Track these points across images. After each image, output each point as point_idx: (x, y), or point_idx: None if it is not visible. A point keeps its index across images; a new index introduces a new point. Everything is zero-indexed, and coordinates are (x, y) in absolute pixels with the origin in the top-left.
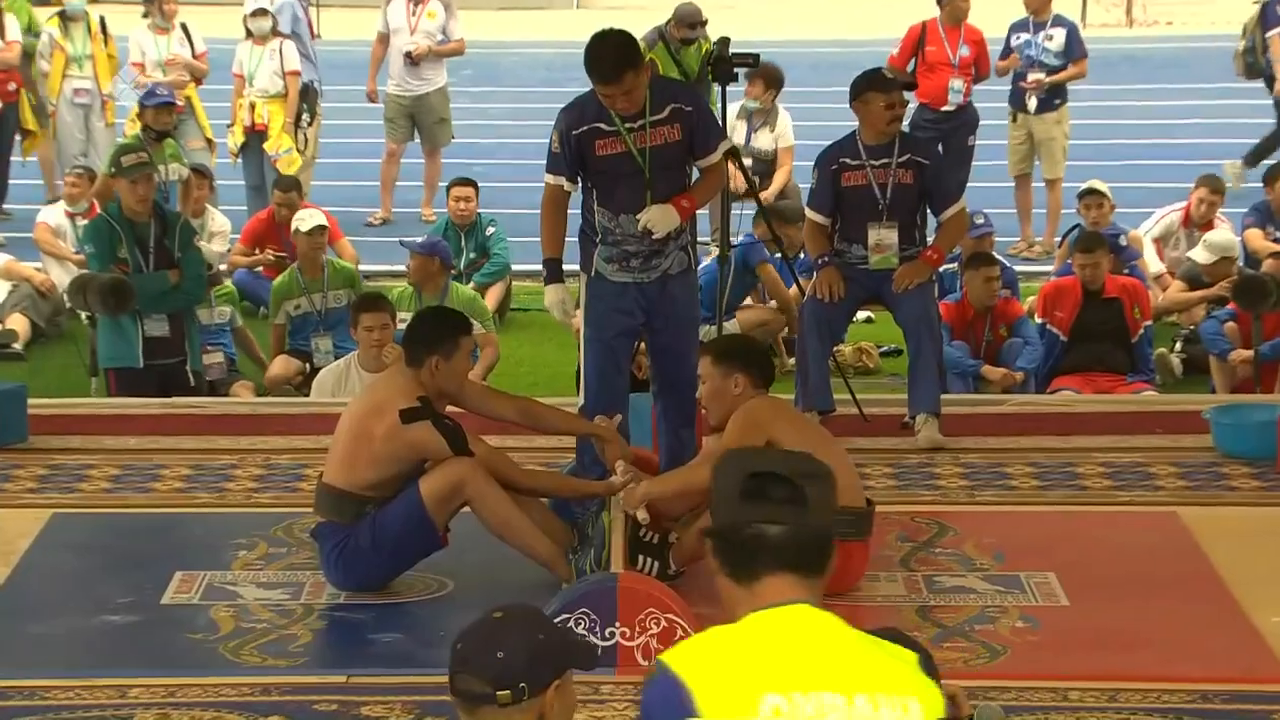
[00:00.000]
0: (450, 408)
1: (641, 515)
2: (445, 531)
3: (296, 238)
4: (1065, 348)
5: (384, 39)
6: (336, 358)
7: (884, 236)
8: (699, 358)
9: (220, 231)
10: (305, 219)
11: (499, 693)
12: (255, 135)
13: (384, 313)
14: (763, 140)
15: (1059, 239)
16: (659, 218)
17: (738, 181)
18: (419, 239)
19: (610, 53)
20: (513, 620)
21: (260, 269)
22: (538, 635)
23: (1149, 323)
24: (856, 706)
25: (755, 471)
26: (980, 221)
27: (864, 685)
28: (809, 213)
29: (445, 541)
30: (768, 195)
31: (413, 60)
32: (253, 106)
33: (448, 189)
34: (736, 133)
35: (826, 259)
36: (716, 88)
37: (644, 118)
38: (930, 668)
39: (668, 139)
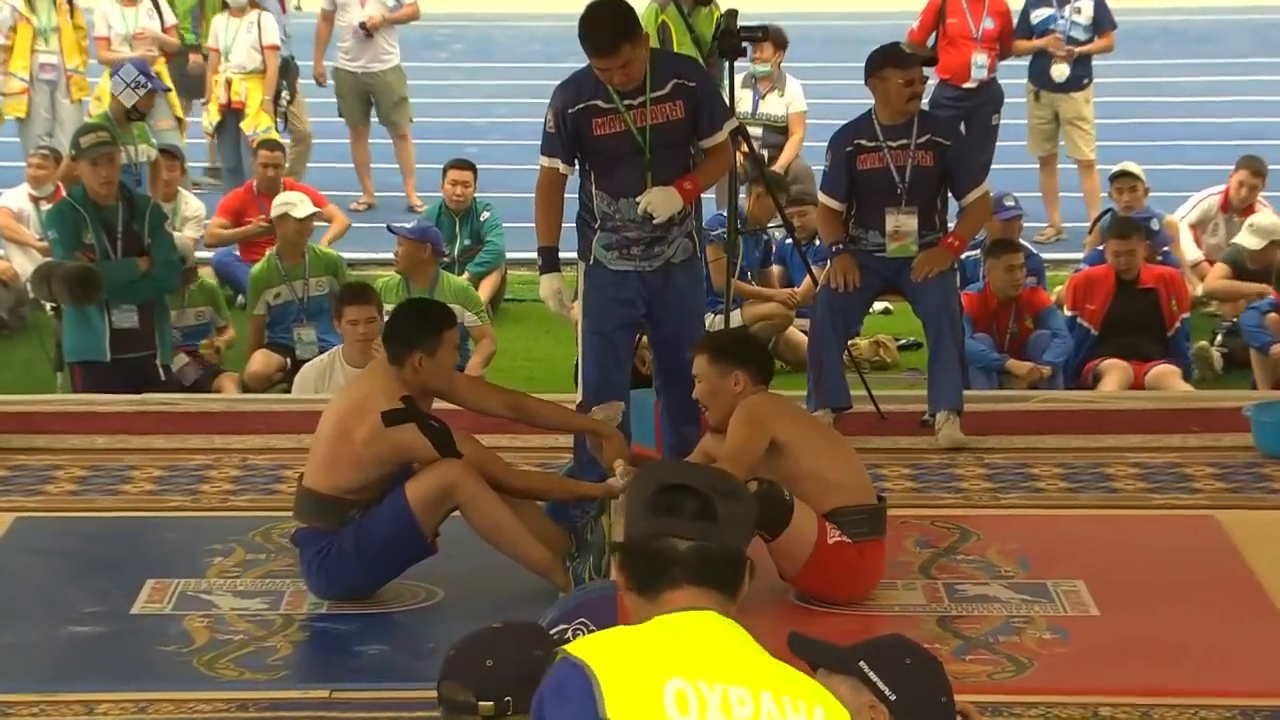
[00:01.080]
0: (438, 403)
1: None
2: (434, 537)
3: (283, 223)
4: (1096, 341)
5: (328, 17)
6: (320, 349)
7: (902, 222)
8: (694, 354)
9: (194, 216)
10: (299, 205)
11: (481, 704)
12: (232, 114)
13: (370, 304)
14: (772, 105)
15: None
16: (660, 201)
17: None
18: (408, 224)
19: (605, 23)
20: (510, 633)
21: (238, 252)
22: (533, 651)
23: (1186, 315)
24: (763, 703)
25: (665, 484)
26: (1010, 205)
27: (770, 684)
28: (822, 197)
29: (435, 548)
30: (780, 165)
31: (367, 32)
32: (229, 83)
33: (444, 171)
34: (741, 101)
35: (841, 247)
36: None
37: (644, 94)
38: (938, 683)
39: (670, 116)
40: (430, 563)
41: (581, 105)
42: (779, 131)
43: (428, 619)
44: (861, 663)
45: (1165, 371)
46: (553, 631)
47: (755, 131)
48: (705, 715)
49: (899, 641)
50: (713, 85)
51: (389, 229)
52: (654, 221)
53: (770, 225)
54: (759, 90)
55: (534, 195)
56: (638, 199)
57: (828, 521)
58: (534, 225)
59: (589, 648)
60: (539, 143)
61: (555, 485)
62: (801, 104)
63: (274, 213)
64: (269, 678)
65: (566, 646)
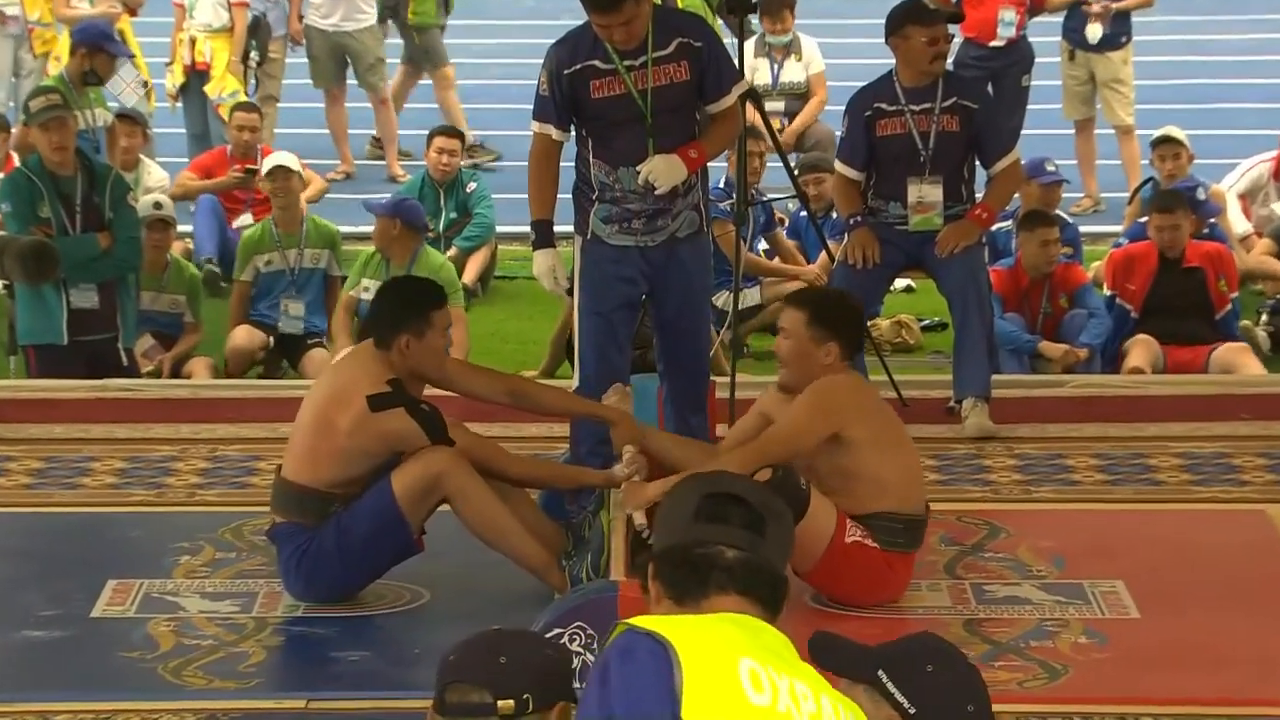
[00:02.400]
0: (430, 391)
1: (639, 519)
2: (420, 535)
3: (268, 182)
4: (1136, 324)
5: None
6: (306, 327)
7: (926, 193)
8: (789, 306)
9: (157, 186)
10: (285, 160)
11: (500, 702)
12: (197, 75)
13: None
14: (792, 73)
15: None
16: (663, 170)
17: (758, 125)
18: (384, 198)
19: None
20: (515, 634)
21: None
22: (544, 650)
23: (1235, 295)
24: (824, 705)
25: (715, 493)
26: (1051, 170)
27: (828, 690)
28: (839, 166)
29: (420, 545)
30: (797, 127)
31: None
32: (193, 42)
33: (428, 138)
34: (760, 74)
35: (859, 219)
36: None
37: (646, 54)
38: (966, 691)
39: (673, 78)
40: (415, 562)
41: (578, 66)
42: (803, 99)
43: (413, 623)
44: (880, 671)
45: (1233, 350)
46: (548, 636)
47: (777, 106)
48: (778, 699)
49: (925, 643)
50: (720, 45)
51: (365, 206)
52: (655, 193)
53: (782, 196)
54: (775, 59)
55: (526, 164)
56: (638, 168)
57: (862, 524)
58: (527, 197)
59: (652, 621)
60: (529, 107)
61: (554, 473)
62: (820, 64)
63: (266, 166)
64: (240, 686)
65: (628, 620)
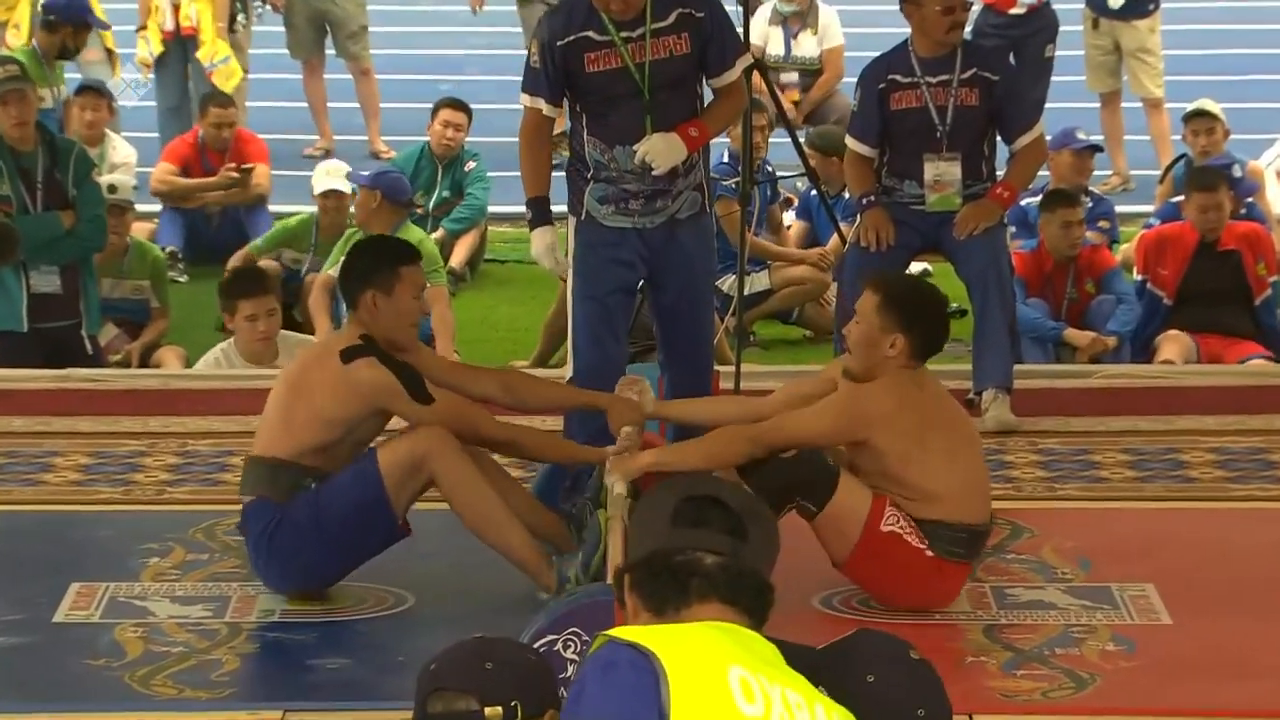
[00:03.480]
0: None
1: (618, 488)
2: (405, 521)
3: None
4: (1170, 312)
5: None
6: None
7: (944, 170)
8: (866, 288)
9: (124, 163)
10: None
11: (488, 709)
12: (178, 42)
13: (269, 295)
14: (806, 46)
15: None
16: (661, 150)
17: (763, 95)
18: (366, 171)
19: None
20: (498, 640)
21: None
22: (528, 656)
23: (1276, 278)
24: (817, 715)
25: (692, 495)
26: (1082, 136)
27: (820, 699)
28: (850, 142)
29: (406, 530)
30: (806, 107)
31: None
32: (176, 6)
33: (433, 110)
34: (773, 43)
35: (872, 199)
36: None
37: (644, 25)
38: (912, 697)
39: (673, 51)
40: (399, 564)
41: (572, 37)
42: (816, 75)
43: (396, 628)
44: (821, 687)
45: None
46: (541, 642)
47: (790, 77)
48: (770, 709)
49: (865, 647)
50: (723, 15)
51: (349, 179)
52: (653, 173)
53: (790, 174)
54: (789, 29)
55: (517, 141)
56: (635, 147)
57: (917, 527)
58: (519, 175)
59: (635, 632)
60: (519, 78)
61: (545, 443)
62: (837, 37)
63: (319, 188)
64: (213, 696)
65: (609, 632)
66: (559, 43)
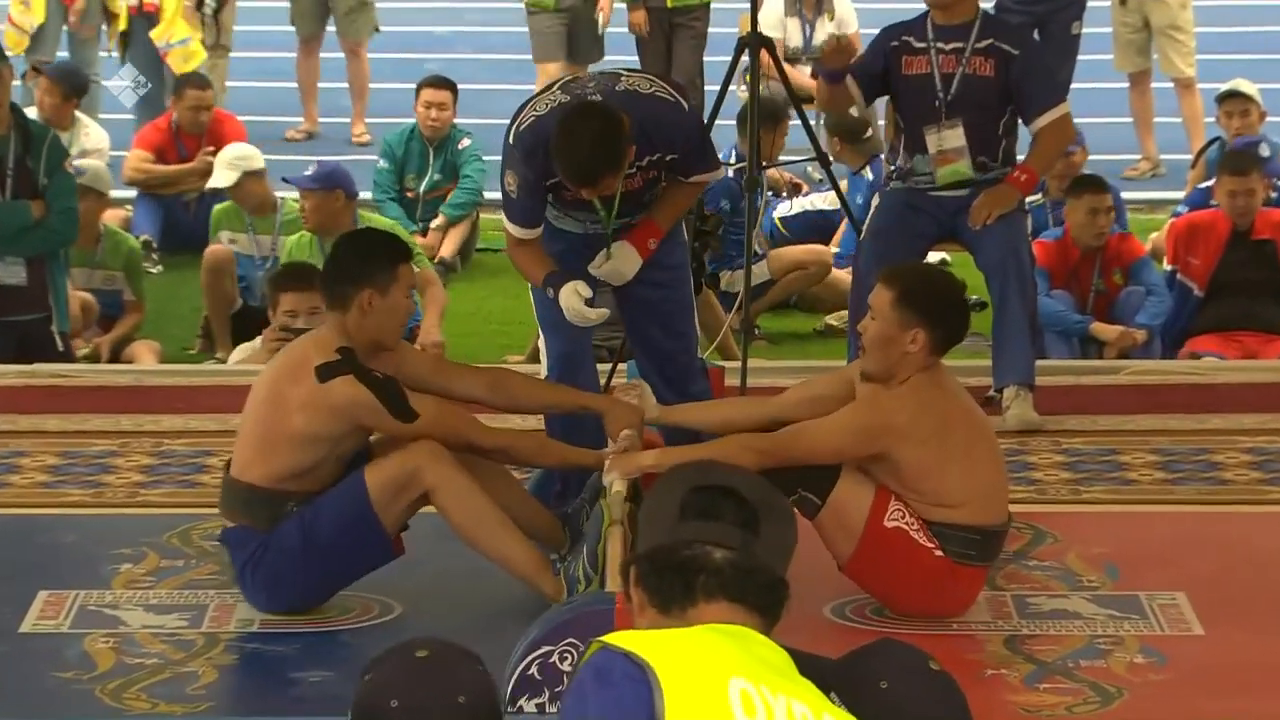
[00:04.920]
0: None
1: (617, 486)
2: (399, 537)
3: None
4: (1201, 304)
5: None
6: None
7: (946, 139)
8: (879, 283)
9: (96, 149)
10: (254, 158)
11: None
12: (144, 19)
13: (314, 290)
14: (825, 35)
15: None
16: (617, 270)
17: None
18: (307, 171)
19: (585, 159)
20: (447, 656)
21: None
22: (479, 668)
23: None
24: None
25: (702, 485)
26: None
27: (830, 709)
28: (848, 82)
29: (400, 548)
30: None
31: None
32: None
33: (416, 90)
34: (790, 34)
35: (893, 178)
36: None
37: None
38: (927, 712)
39: (644, 181)
40: (385, 571)
41: (554, 180)
42: None
43: (382, 639)
44: (832, 694)
45: None
46: (536, 654)
47: (807, 70)
48: None
49: (880, 655)
50: (696, 142)
51: (285, 180)
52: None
53: (800, 159)
54: (806, 18)
55: (507, 124)
56: (591, 268)
57: (927, 529)
58: (523, 275)
59: (633, 639)
60: (514, 57)
61: (536, 447)
62: (852, 23)
63: (224, 180)
64: (189, 711)
65: (604, 638)
66: (545, 182)
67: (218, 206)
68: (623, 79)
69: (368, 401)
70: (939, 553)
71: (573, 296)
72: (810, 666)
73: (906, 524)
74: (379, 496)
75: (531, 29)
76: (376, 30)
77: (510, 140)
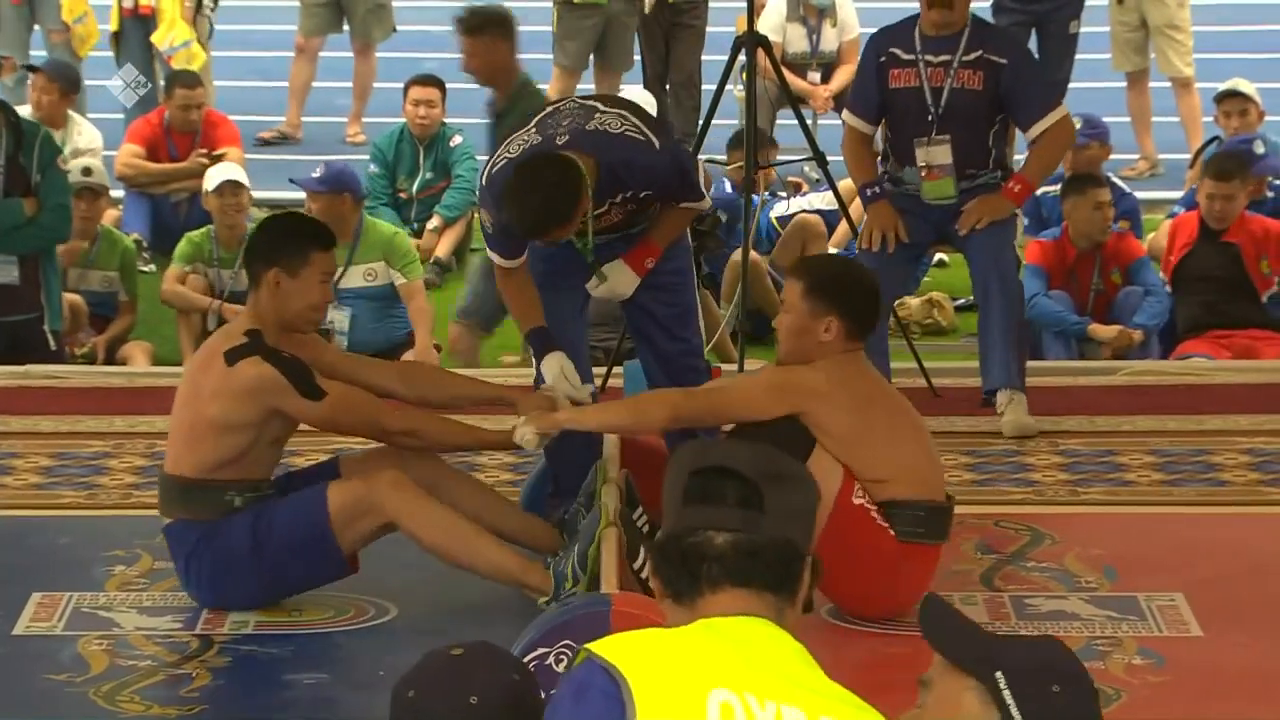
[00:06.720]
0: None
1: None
2: (354, 556)
3: (215, 198)
4: (1171, 297)
5: None
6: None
7: (933, 155)
8: (788, 276)
9: (89, 148)
10: (217, 172)
11: None
12: (137, 21)
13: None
14: (831, 40)
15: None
16: (612, 287)
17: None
18: (315, 172)
19: (531, 214)
20: (479, 656)
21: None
22: (511, 675)
23: None
24: None
25: (702, 468)
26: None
27: (830, 709)
28: (848, 117)
29: (354, 566)
30: (829, 93)
31: None
32: None
33: (405, 88)
34: (794, 40)
35: (878, 191)
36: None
37: (599, 206)
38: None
39: (622, 214)
40: (379, 572)
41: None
42: (834, 67)
43: (376, 641)
44: (999, 674)
45: None
46: (530, 657)
47: (814, 77)
48: None
49: (1055, 657)
50: (677, 176)
51: (291, 181)
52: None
53: (797, 159)
54: (810, 24)
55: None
56: (587, 286)
57: (877, 509)
58: (510, 312)
59: (619, 647)
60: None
61: (449, 430)
62: (854, 28)
63: (214, 181)
64: (183, 713)
65: (592, 645)
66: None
67: (189, 235)
68: (596, 116)
69: (273, 378)
70: (892, 532)
71: (556, 372)
72: (975, 639)
73: (867, 502)
74: (338, 515)
75: (561, 31)
76: (394, 31)
77: (484, 181)
